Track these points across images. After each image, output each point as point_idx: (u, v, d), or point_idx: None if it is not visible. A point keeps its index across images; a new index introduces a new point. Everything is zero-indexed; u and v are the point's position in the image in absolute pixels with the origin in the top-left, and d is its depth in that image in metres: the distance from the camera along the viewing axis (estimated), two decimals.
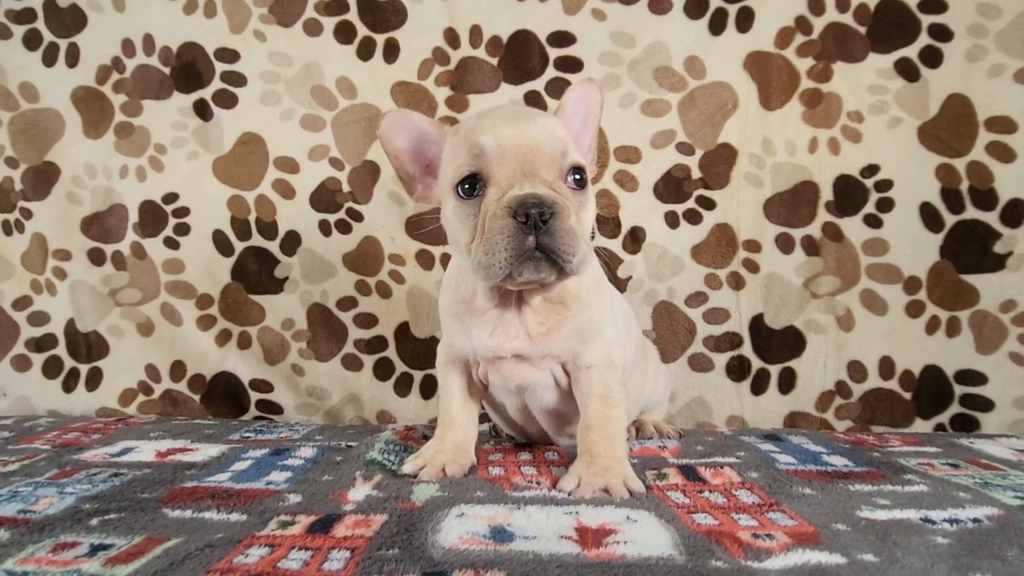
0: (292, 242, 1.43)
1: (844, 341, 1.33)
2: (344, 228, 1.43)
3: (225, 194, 1.44)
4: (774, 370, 1.34)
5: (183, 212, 1.45)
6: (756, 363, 1.35)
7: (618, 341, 0.92)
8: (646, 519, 0.69)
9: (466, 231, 0.78)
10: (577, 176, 0.78)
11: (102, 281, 1.47)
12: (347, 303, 1.42)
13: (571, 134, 0.82)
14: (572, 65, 1.39)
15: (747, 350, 1.35)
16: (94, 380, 1.46)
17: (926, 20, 1.32)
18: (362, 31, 1.42)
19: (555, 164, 0.76)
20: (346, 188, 1.43)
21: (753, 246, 1.36)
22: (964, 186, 1.30)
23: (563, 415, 0.96)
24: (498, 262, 0.72)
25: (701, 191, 1.37)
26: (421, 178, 0.88)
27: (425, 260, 1.42)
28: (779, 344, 1.35)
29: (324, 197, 1.43)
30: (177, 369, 1.44)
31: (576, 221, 0.74)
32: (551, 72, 1.39)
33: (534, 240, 0.71)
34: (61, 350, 1.47)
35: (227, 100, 1.44)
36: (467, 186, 0.77)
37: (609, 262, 1.36)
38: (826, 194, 1.34)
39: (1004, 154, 1.29)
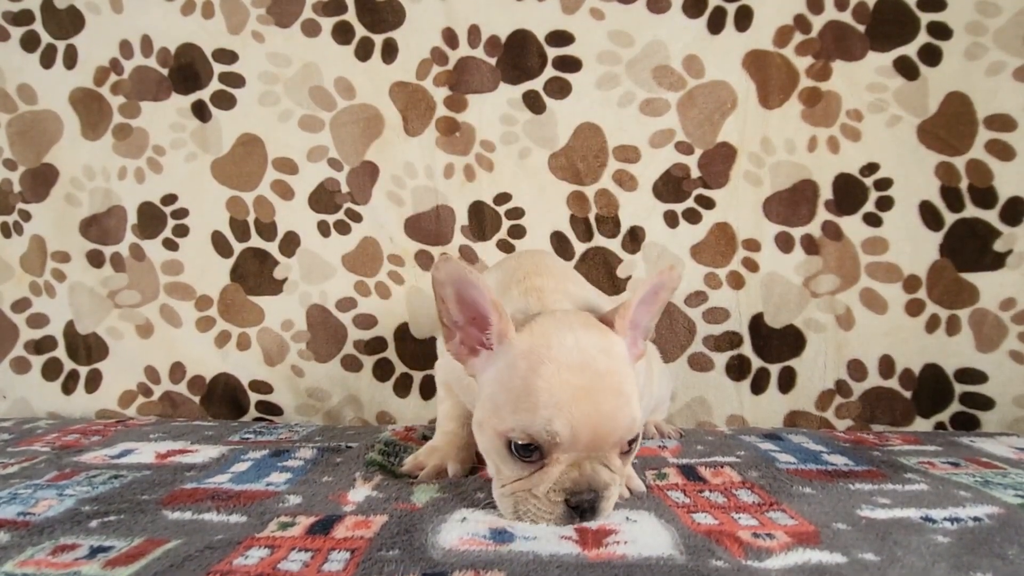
0: (291, 243, 1.43)
1: (844, 340, 1.33)
2: (343, 229, 1.43)
3: (224, 195, 1.44)
4: (774, 369, 1.34)
5: (182, 213, 1.45)
6: (756, 362, 1.35)
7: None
8: (646, 519, 0.69)
9: (506, 470, 0.72)
10: (630, 445, 0.73)
11: (101, 283, 1.47)
12: (346, 304, 1.42)
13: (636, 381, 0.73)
14: (571, 64, 1.39)
15: (747, 349, 1.35)
16: (93, 382, 1.46)
17: (925, 18, 1.31)
18: (360, 31, 1.42)
19: (619, 446, 0.70)
20: (345, 189, 1.43)
21: (752, 245, 1.36)
22: (964, 184, 1.30)
23: None
24: (531, 521, 0.69)
25: (700, 190, 1.37)
26: (464, 327, 0.76)
27: (424, 260, 1.41)
28: (779, 343, 1.35)
29: (323, 198, 1.43)
30: (176, 371, 1.44)
31: (621, 483, 0.73)
32: (550, 71, 1.39)
33: (578, 521, 0.68)
34: (60, 352, 1.47)
35: (225, 101, 1.44)
36: (522, 449, 0.69)
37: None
38: (825, 193, 1.34)
39: (1003, 152, 1.29)
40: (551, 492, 0.68)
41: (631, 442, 0.72)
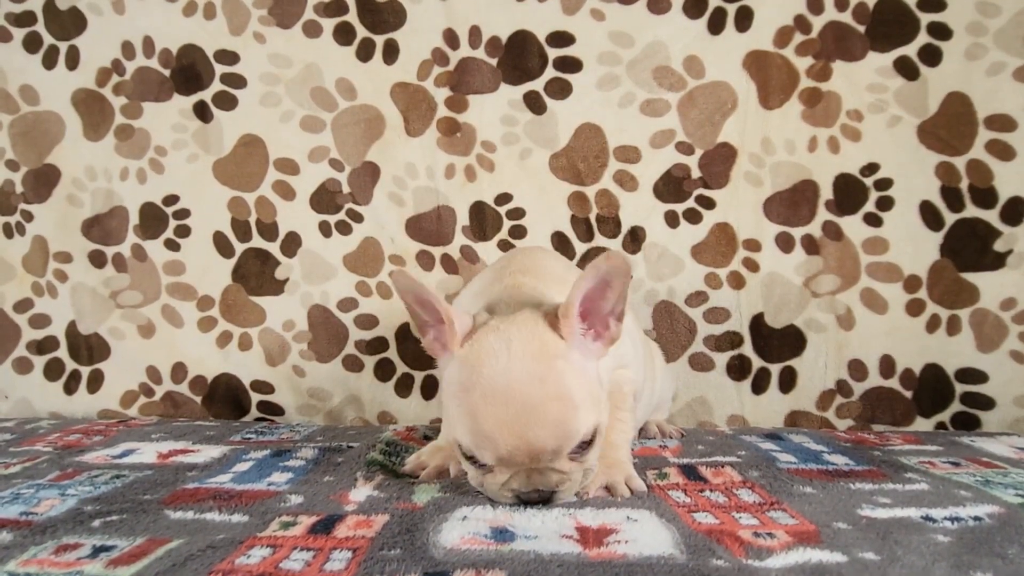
0: (292, 243, 1.44)
1: (844, 340, 1.33)
2: (344, 229, 1.43)
3: (225, 196, 1.45)
4: (774, 369, 1.35)
5: (184, 214, 1.46)
6: (757, 362, 1.35)
7: (637, 366, 0.92)
8: (647, 518, 0.69)
9: (463, 465, 0.77)
10: (581, 449, 0.72)
11: (103, 283, 1.47)
12: (348, 304, 1.42)
13: (583, 378, 0.73)
14: (571, 65, 1.39)
15: (747, 349, 1.35)
16: (95, 382, 1.46)
17: (925, 18, 1.32)
18: (361, 32, 1.42)
19: (559, 455, 0.71)
20: (346, 189, 1.43)
21: (753, 245, 1.36)
22: (964, 184, 1.30)
23: None
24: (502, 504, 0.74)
25: (701, 190, 1.37)
26: (435, 326, 0.78)
27: (425, 261, 1.42)
28: (779, 343, 1.35)
29: (324, 198, 1.43)
30: (178, 371, 1.44)
31: (582, 476, 0.74)
32: (551, 72, 1.39)
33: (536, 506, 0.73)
34: (62, 352, 1.48)
35: (227, 102, 1.45)
36: (468, 457, 0.74)
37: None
38: (826, 193, 1.34)
39: (1004, 152, 1.29)
40: (502, 490, 0.72)
41: (579, 449, 0.72)
